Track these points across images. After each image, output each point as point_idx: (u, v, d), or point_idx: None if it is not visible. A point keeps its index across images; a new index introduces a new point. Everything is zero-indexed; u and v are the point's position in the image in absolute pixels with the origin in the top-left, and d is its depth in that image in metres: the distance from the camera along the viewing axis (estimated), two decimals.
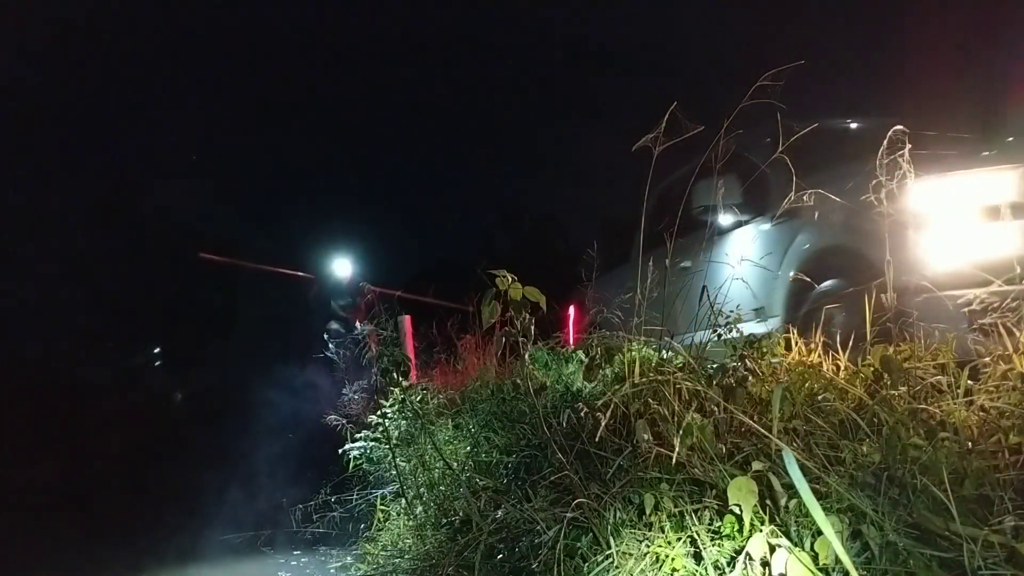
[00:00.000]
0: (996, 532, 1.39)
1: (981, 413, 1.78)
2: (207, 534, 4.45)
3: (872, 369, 2.07)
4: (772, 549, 1.48)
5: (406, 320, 7.30)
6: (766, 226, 4.50)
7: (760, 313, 4.24)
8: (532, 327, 2.34)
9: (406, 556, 3.24)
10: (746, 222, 4.71)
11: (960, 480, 1.54)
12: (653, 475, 2.42)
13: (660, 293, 2.98)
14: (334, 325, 10.11)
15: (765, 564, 1.51)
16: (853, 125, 5.07)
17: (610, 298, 3.41)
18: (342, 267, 10.99)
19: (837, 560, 1.46)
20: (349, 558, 3.63)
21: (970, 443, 1.66)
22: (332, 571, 3.53)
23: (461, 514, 3.16)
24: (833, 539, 1.28)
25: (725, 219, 4.70)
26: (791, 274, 3.84)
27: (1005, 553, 1.34)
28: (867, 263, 3.24)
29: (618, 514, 2.46)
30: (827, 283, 3.69)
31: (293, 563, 3.63)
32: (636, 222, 3.55)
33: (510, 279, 2.34)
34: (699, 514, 2.02)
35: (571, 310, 6.77)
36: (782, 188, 2.59)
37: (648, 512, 2.15)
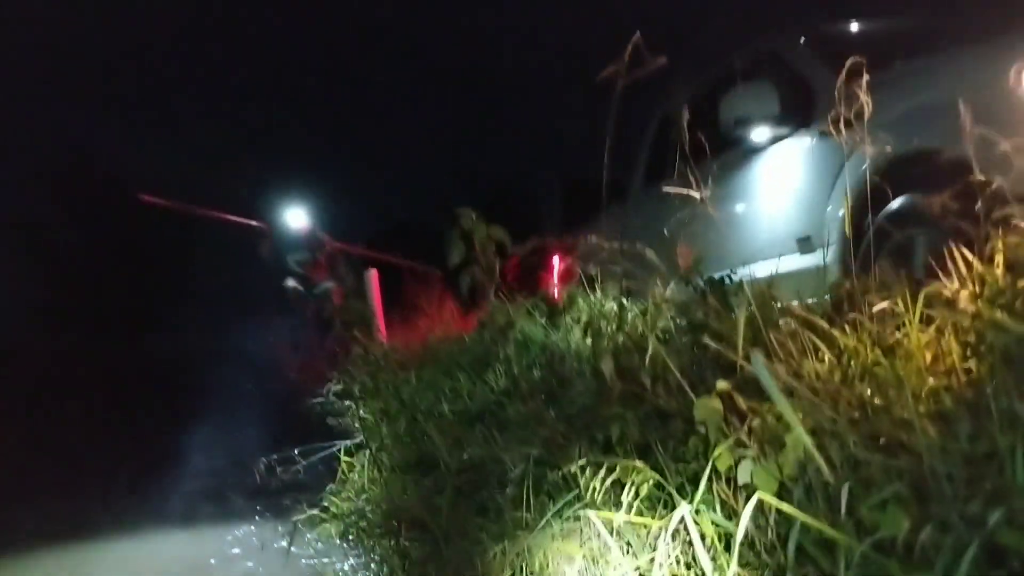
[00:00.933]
0: (953, 440, 1.43)
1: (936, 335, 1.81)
2: (165, 492, 4.41)
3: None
4: (737, 463, 1.51)
5: (372, 275, 6.84)
6: (812, 139, 3.88)
7: (806, 244, 3.69)
8: (497, 266, 2.34)
9: (371, 503, 3.25)
10: (783, 137, 4.07)
11: (916, 398, 1.58)
12: (618, 411, 2.45)
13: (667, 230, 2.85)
14: (291, 283, 9.28)
15: (730, 478, 1.54)
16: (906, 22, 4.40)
17: (606, 240, 3.13)
18: (297, 217, 9.74)
19: (801, 471, 1.49)
20: (315, 510, 3.63)
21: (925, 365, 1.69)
22: (297, 523, 3.53)
23: (426, 459, 3.17)
24: (800, 432, 1.30)
25: (757, 135, 4.07)
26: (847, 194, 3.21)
27: (962, 459, 1.37)
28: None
29: (583, 449, 2.49)
30: (899, 200, 3.09)
31: (256, 517, 3.61)
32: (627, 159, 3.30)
33: (473, 218, 2.33)
34: (664, 443, 2.06)
35: (555, 259, 6.07)
36: (829, 94, 2.32)
37: (614, 442, 2.18)
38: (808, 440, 1.33)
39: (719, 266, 2.75)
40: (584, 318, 3.13)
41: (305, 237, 9.58)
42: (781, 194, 3.72)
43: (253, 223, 10.09)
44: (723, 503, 1.67)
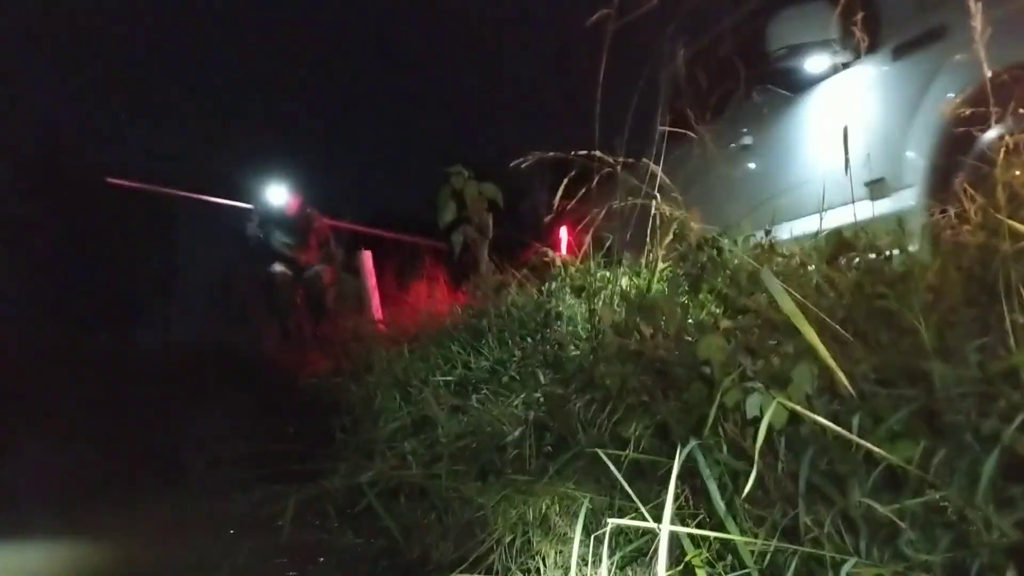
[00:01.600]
0: (963, 366, 1.40)
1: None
2: (159, 481, 4.36)
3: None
4: (745, 398, 1.48)
5: (366, 256, 6.48)
6: (882, 65, 3.35)
7: (879, 188, 3.17)
8: (490, 223, 2.29)
9: (367, 472, 3.20)
10: (845, 66, 3.53)
11: (924, 320, 1.55)
12: (616, 368, 2.42)
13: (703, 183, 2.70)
14: (278, 267, 8.33)
15: (737, 421, 1.51)
16: None
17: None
18: (283, 195, 8.72)
19: (808, 401, 1.46)
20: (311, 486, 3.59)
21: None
22: (294, 499, 3.49)
23: (425, 427, 3.14)
24: (813, 339, 1.28)
25: (812, 64, 3.56)
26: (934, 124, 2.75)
27: (974, 379, 1.35)
28: None
29: (583, 409, 2.46)
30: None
31: (252, 496, 3.55)
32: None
33: (465, 176, 2.29)
34: (667, 392, 2.03)
35: (563, 232, 5.55)
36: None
37: (614, 396, 2.15)
38: (824, 352, 1.30)
39: (766, 222, 2.52)
40: (578, 283, 3.10)
41: (293, 216, 8.68)
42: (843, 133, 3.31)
43: (236, 203, 9.30)
44: (731, 444, 1.64)
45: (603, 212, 2.85)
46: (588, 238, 3.03)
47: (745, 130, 3.40)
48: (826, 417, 1.51)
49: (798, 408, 1.36)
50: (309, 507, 2.99)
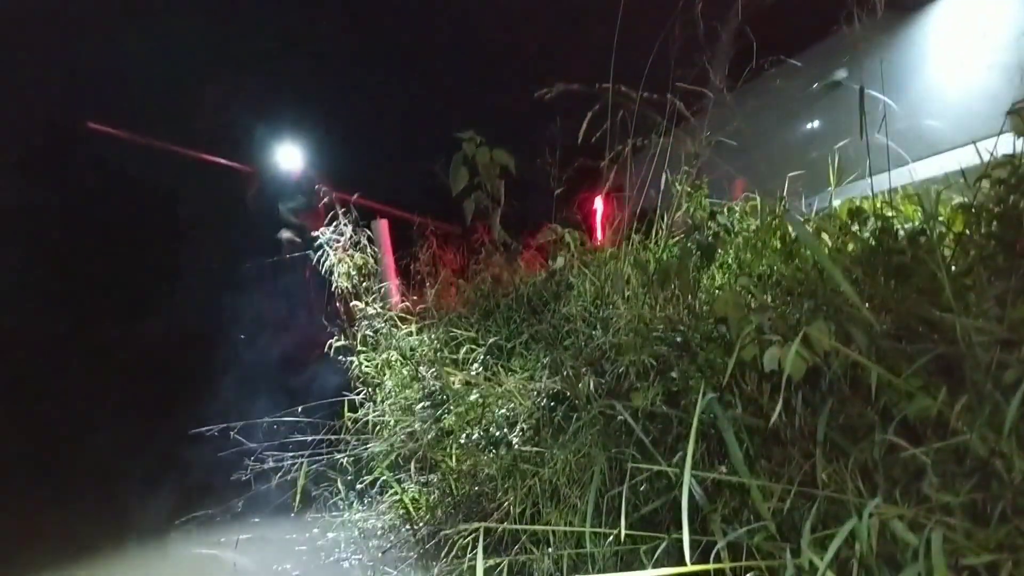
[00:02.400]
0: (983, 318, 1.40)
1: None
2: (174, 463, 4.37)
3: None
4: (762, 352, 1.47)
5: (382, 225, 5.90)
6: None
7: None
8: (502, 191, 2.28)
9: (378, 452, 3.21)
10: None
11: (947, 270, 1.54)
12: (627, 340, 2.42)
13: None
14: (286, 234, 7.86)
15: (755, 367, 1.50)
16: None
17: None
18: (290, 158, 8.09)
19: (827, 355, 1.46)
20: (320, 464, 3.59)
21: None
22: (306, 476, 3.49)
23: (433, 404, 3.14)
24: (832, 268, 1.27)
25: None
26: None
27: (995, 336, 1.34)
28: None
29: (593, 382, 2.46)
30: None
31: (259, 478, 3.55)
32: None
33: (477, 142, 2.28)
34: (680, 360, 2.02)
35: (598, 204, 4.87)
36: None
37: (625, 365, 2.15)
38: (849, 288, 1.29)
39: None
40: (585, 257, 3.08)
41: (300, 181, 8.15)
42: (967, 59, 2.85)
43: (237, 166, 8.71)
44: (747, 402, 1.64)
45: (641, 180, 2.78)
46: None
47: (844, 60, 3.07)
48: (843, 371, 1.51)
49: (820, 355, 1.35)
50: (319, 479, 3.00)
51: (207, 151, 9.41)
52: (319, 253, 4.40)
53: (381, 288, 5.08)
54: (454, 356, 3.47)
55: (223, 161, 9.07)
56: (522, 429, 2.63)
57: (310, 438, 2.96)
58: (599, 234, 4.58)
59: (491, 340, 3.13)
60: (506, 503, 2.58)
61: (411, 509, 2.82)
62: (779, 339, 1.48)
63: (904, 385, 1.36)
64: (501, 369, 2.95)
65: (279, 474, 2.77)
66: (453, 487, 2.83)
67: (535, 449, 2.56)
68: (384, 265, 5.01)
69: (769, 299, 1.72)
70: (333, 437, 3.05)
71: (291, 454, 2.90)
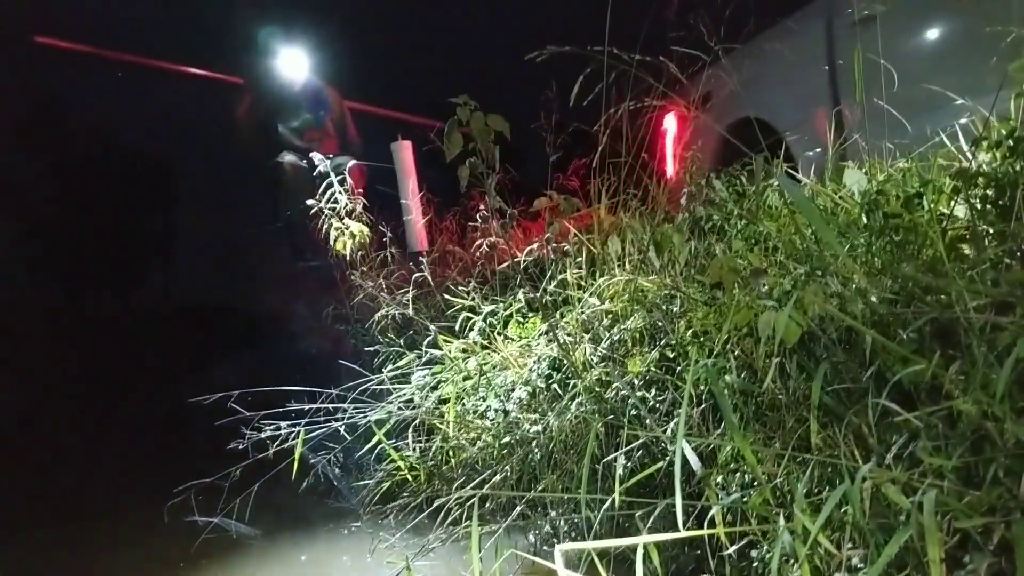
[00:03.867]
0: (979, 284, 1.39)
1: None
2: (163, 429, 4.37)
3: None
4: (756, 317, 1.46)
5: (404, 147, 4.92)
6: None
7: None
8: (497, 156, 2.27)
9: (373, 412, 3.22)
10: None
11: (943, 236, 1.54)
12: (623, 306, 2.42)
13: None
14: (288, 157, 6.29)
15: (749, 333, 1.50)
16: None
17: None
18: (293, 65, 6.48)
19: (821, 320, 1.45)
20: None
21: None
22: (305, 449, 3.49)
23: (431, 370, 3.15)
24: (827, 232, 1.26)
25: None
26: None
27: (992, 302, 1.34)
28: None
29: (589, 349, 2.46)
30: None
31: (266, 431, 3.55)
32: None
33: (470, 108, 2.25)
34: (675, 326, 2.02)
35: (669, 123, 4.15)
36: None
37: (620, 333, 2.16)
38: (843, 251, 1.28)
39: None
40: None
41: (304, 93, 6.57)
42: None
43: (223, 77, 7.04)
44: (741, 367, 1.64)
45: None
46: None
47: None
48: (837, 336, 1.51)
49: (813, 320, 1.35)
50: (316, 448, 3.01)
51: (183, 62, 7.42)
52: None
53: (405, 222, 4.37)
54: (451, 324, 3.48)
55: (204, 73, 7.14)
56: (519, 397, 2.64)
57: (308, 406, 2.96)
58: (669, 165, 4.04)
59: (488, 308, 3.13)
60: (503, 470, 2.60)
61: (409, 477, 2.83)
62: (774, 304, 1.47)
63: (898, 350, 1.36)
64: (498, 337, 2.96)
65: (275, 443, 2.78)
66: (451, 454, 2.85)
67: (533, 416, 2.57)
68: (408, 191, 4.32)
69: (765, 264, 1.71)
70: (332, 406, 3.05)
71: (288, 423, 2.91)
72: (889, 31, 2.80)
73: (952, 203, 1.73)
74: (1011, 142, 1.68)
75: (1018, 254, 1.34)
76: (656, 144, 3.89)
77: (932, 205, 1.69)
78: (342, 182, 4.91)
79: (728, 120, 3.86)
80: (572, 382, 2.45)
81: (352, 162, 5.89)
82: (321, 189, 4.05)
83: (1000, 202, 1.65)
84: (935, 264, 1.43)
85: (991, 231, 1.52)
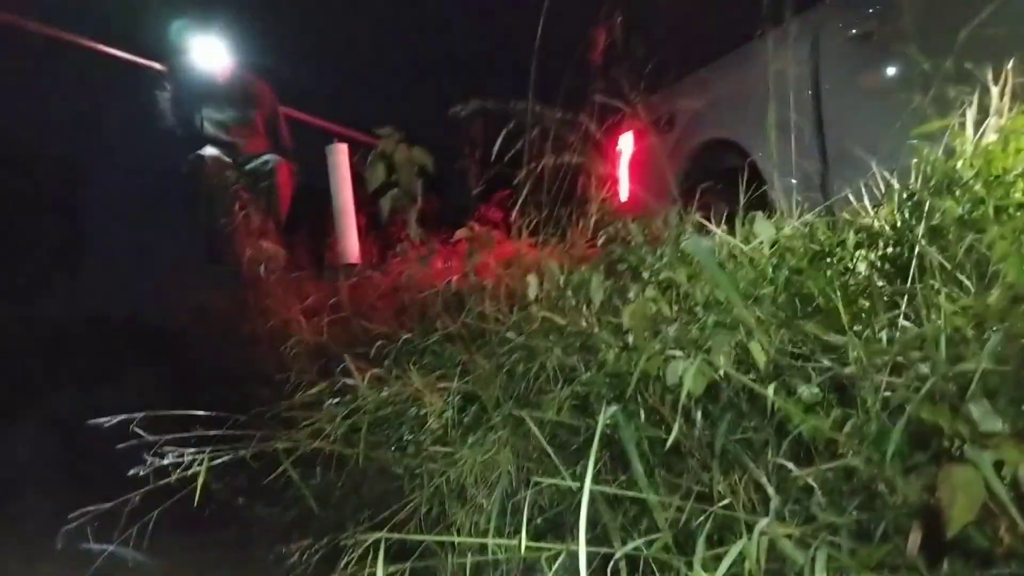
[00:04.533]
0: (876, 341, 1.45)
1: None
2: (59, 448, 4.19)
3: None
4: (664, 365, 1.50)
5: (340, 149, 4.26)
6: None
7: None
8: (420, 189, 2.26)
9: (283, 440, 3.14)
10: None
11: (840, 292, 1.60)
12: (542, 342, 2.43)
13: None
14: (210, 151, 5.66)
15: (658, 378, 1.53)
16: None
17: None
18: (216, 55, 5.89)
19: (726, 380, 1.49)
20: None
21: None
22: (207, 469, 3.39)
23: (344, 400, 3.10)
24: (731, 292, 1.30)
25: None
26: None
27: (886, 359, 1.39)
28: None
29: (504, 381, 2.47)
30: None
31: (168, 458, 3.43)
32: None
33: (396, 139, 2.25)
34: (588, 363, 2.04)
35: (624, 144, 3.81)
36: None
37: (535, 370, 2.17)
38: (745, 313, 1.32)
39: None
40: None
41: (231, 85, 5.94)
42: None
43: (143, 62, 6.15)
44: (650, 413, 1.67)
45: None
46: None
47: (871, 10, 2.98)
48: (742, 386, 1.55)
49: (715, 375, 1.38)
50: (221, 475, 2.92)
51: (95, 39, 6.41)
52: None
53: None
54: (367, 350, 3.44)
55: (118, 53, 6.18)
56: (432, 429, 2.62)
57: (213, 432, 2.87)
58: (624, 189, 3.76)
59: (404, 336, 3.11)
60: (413, 502, 2.57)
61: (315, 508, 2.78)
62: (681, 354, 1.51)
63: (791, 410, 1.40)
64: (412, 367, 2.94)
65: (179, 469, 2.68)
66: (360, 485, 2.81)
67: (444, 449, 2.55)
68: (342, 202, 3.75)
69: (675, 311, 1.74)
70: (238, 432, 2.97)
71: (193, 450, 2.81)
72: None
73: (854, 260, 1.81)
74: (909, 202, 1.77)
75: (912, 314, 1.40)
76: (609, 166, 3.73)
77: (836, 261, 1.76)
78: (268, 184, 4.65)
79: (695, 141, 3.61)
80: (486, 415, 2.45)
81: (276, 159, 5.67)
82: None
83: (898, 262, 1.74)
84: (834, 320, 1.49)
85: (887, 289, 1.59)
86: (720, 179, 2.53)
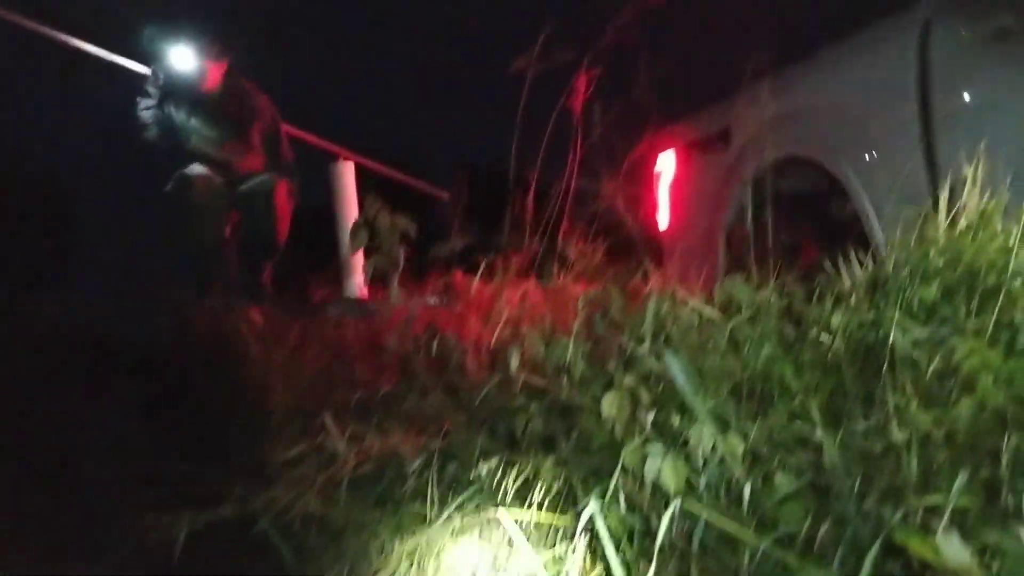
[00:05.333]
0: (850, 436, 1.48)
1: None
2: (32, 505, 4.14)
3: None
4: (644, 459, 1.52)
5: (345, 168, 4.39)
6: None
7: None
8: (401, 255, 2.29)
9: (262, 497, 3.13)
10: None
11: (814, 389, 1.62)
12: (522, 402, 2.45)
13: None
14: (198, 169, 5.06)
15: (638, 475, 1.55)
16: None
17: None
18: (205, 57, 5.12)
19: (703, 465, 1.51)
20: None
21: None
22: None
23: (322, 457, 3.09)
24: (709, 427, 1.32)
25: None
26: None
27: (857, 454, 1.42)
28: None
29: (485, 441, 2.48)
30: None
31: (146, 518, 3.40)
32: None
33: (377, 206, 2.27)
34: (569, 436, 2.06)
35: (664, 164, 3.35)
36: None
37: (518, 434, 2.18)
38: (713, 430, 1.34)
39: None
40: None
41: (218, 92, 5.20)
42: None
43: (125, 62, 5.42)
44: (629, 500, 1.68)
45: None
46: None
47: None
48: (720, 482, 1.57)
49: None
50: (198, 536, 2.90)
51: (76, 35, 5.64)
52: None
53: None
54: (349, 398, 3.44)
55: (102, 53, 5.43)
56: (411, 487, 2.62)
57: (188, 487, 2.87)
58: (663, 217, 3.32)
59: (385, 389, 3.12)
60: (391, 561, 2.57)
61: (293, 565, 2.77)
62: (660, 448, 1.53)
63: (747, 538, 1.42)
64: (393, 422, 2.94)
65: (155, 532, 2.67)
66: (339, 542, 2.80)
67: (424, 509, 2.55)
68: (348, 224, 3.43)
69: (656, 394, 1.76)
70: (218, 486, 2.96)
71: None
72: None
73: (832, 337, 1.83)
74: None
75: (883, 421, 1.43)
76: (646, 191, 3.38)
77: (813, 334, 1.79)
78: (265, 206, 4.20)
79: (760, 160, 3.04)
80: (466, 475, 2.46)
81: (274, 177, 5.09)
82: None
83: (873, 345, 1.76)
84: (806, 416, 1.52)
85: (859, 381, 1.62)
86: (794, 204, 2.25)
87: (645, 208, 3.33)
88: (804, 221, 2.10)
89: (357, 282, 3.88)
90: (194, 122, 5.12)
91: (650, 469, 1.47)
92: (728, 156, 3.17)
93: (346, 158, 4.73)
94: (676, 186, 3.37)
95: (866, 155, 2.21)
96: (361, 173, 4.72)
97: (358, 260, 3.67)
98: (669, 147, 3.38)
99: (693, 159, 3.28)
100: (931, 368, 1.38)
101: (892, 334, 1.44)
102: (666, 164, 3.39)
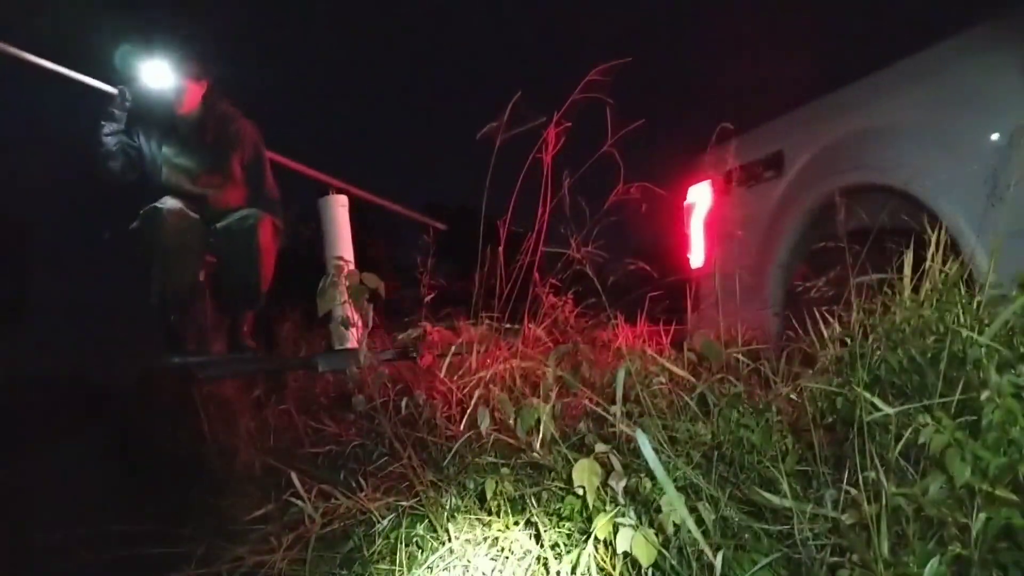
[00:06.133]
0: (819, 505, 1.48)
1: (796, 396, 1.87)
2: None
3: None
4: (616, 529, 1.51)
5: (338, 201, 3.97)
6: None
7: None
8: (371, 313, 2.27)
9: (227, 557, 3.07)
10: None
11: (783, 457, 1.63)
12: (491, 461, 2.43)
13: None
14: (171, 203, 4.30)
15: (609, 544, 1.54)
16: None
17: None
18: (178, 77, 4.39)
19: (676, 534, 1.51)
20: None
21: (789, 423, 1.76)
22: None
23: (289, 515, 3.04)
24: (679, 505, 1.32)
25: None
26: None
27: (828, 524, 1.42)
28: None
29: (455, 500, 2.46)
30: None
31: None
32: None
33: (345, 267, 2.26)
34: (539, 497, 2.05)
35: (698, 196, 3.07)
36: None
37: (489, 497, 2.16)
38: (684, 510, 1.34)
39: None
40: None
41: (194, 114, 4.53)
42: None
43: (89, 81, 4.40)
44: (600, 567, 1.67)
45: None
46: None
47: None
48: (693, 548, 1.56)
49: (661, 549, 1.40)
50: None
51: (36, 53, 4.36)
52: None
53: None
54: (314, 450, 3.40)
55: (66, 72, 4.35)
56: (380, 545, 2.58)
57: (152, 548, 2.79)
58: (697, 254, 3.01)
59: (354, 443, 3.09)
60: None
61: None
62: (632, 518, 1.52)
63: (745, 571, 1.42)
64: (362, 476, 2.90)
65: None
66: None
67: (394, 568, 2.51)
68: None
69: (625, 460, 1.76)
70: (182, 545, 2.89)
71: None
72: None
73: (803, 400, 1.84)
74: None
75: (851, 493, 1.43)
76: (677, 224, 3.07)
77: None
78: (246, 246, 3.84)
79: (824, 189, 2.66)
80: (435, 534, 2.43)
81: (258, 213, 4.43)
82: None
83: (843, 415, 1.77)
84: (777, 486, 1.52)
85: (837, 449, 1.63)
86: (869, 240, 1.98)
87: (674, 246, 3.07)
88: (878, 259, 1.91)
89: (350, 331, 3.55)
90: (166, 150, 4.46)
91: (622, 541, 1.46)
92: (781, 184, 2.88)
93: (339, 190, 4.32)
94: (712, 220, 3.06)
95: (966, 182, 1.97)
96: (356, 206, 4.50)
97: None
98: (704, 178, 3.05)
99: (735, 189, 2.97)
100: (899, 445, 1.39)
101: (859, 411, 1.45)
102: (700, 196, 3.08)
